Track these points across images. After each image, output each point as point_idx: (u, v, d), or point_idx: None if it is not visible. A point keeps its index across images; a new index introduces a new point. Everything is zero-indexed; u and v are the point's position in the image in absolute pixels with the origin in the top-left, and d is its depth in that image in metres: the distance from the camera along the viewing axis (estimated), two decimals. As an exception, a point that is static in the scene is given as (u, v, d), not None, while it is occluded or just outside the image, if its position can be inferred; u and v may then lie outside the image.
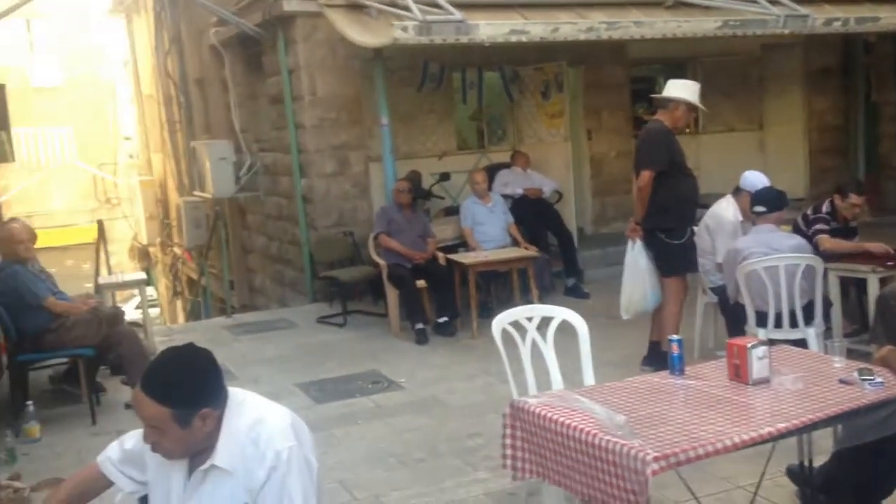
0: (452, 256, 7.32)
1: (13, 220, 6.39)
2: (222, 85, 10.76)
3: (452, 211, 8.59)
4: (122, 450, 2.35)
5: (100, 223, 9.11)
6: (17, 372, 5.73)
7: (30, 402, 5.34)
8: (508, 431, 3.06)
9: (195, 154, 10.84)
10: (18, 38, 20.58)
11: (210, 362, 2.22)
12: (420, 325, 6.90)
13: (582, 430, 2.73)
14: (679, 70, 10.07)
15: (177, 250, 14.66)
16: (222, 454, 2.17)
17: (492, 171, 8.67)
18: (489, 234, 7.65)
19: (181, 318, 14.89)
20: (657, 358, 5.25)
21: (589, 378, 3.65)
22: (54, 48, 21.42)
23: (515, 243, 7.64)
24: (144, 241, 17.19)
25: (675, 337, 3.30)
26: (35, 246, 5.70)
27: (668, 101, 5.42)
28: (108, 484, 2.39)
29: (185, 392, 2.13)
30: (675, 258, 5.41)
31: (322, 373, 6.18)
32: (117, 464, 2.35)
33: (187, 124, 13.26)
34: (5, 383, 5.86)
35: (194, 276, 13.27)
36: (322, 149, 8.65)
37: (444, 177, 8.93)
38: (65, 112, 20.78)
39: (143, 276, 8.95)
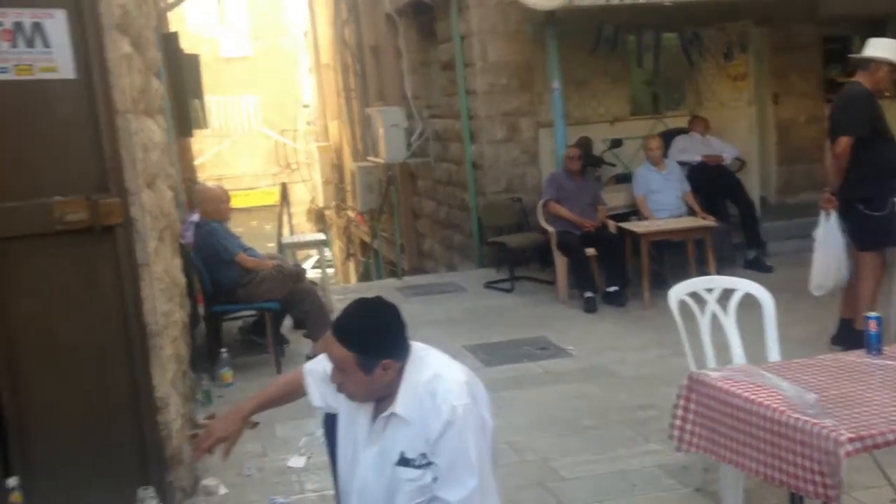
0: (624, 225, 7.16)
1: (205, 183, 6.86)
2: (396, 52, 11.00)
3: (624, 178, 8.37)
4: (324, 370, 2.48)
5: (283, 186, 9.65)
6: (213, 322, 6.21)
7: (224, 350, 5.78)
8: (681, 402, 2.97)
9: (369, 121, 11.18)
10: (210, 12, 22.01)
11: (396, 317, 2.30)
12: (589, 294, 6.81)
13: (767, 406, 2.60)
14: (878, 28, 9.20)
15: (350, 213, 15.26)
16: (402, 404, 2.26)
17: (667, 137, 8.35)
18: (663, 202, 7.39)
19: (353, 278, 15.54)
20: (848, 337, 4.91)
21: (774, 354, 3.47)
22: (242, 20, 22.73)
23: (692, 213, 7.35)
24: (321, 205, 18.03)
25: (873, 314, 3.07)
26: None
27: (869, 61, 4.98)
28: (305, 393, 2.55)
29: (370, 341, 2.24)
30: (873, 231, 5.01)
31: (490, 336, 6.26)
32: (318, 379, 2.50)
33: (362, 92, 13.70)
34: (202, 332, 6.36)
35: (366, 238, 13.77)
36: (492, 115, 8.67)
37: (616, 143, 8.71)
38: (251, 81, 22.08)
39: (322, 236, 9.38)
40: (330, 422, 2.56)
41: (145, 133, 3.92)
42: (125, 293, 3.47)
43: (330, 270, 14.68)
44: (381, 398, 2.31)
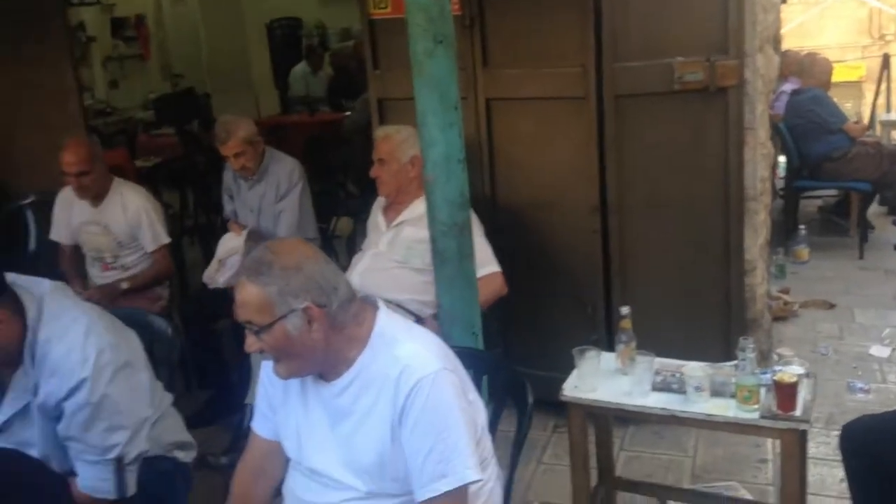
0: None
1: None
2: None
3: None
4: None
5: (885, 57, 8.60)
6: (792, 197, 6.07)
7: (802, 227, 5.64)
8: None
9: None
10: None
11: None
12: None
13: None
14: None
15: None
16: None
17: None
18: None
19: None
20: None
21: None
22: None
23: None
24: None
25: None
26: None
27: None
28: None
29: None
30: None
31: None
32: None
33: None
34: (777, 208, 6.26)
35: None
36: None
37: None
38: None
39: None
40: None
41: (764, -7, 3.84)
42: (729, 154, 3.56)
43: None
44: None
